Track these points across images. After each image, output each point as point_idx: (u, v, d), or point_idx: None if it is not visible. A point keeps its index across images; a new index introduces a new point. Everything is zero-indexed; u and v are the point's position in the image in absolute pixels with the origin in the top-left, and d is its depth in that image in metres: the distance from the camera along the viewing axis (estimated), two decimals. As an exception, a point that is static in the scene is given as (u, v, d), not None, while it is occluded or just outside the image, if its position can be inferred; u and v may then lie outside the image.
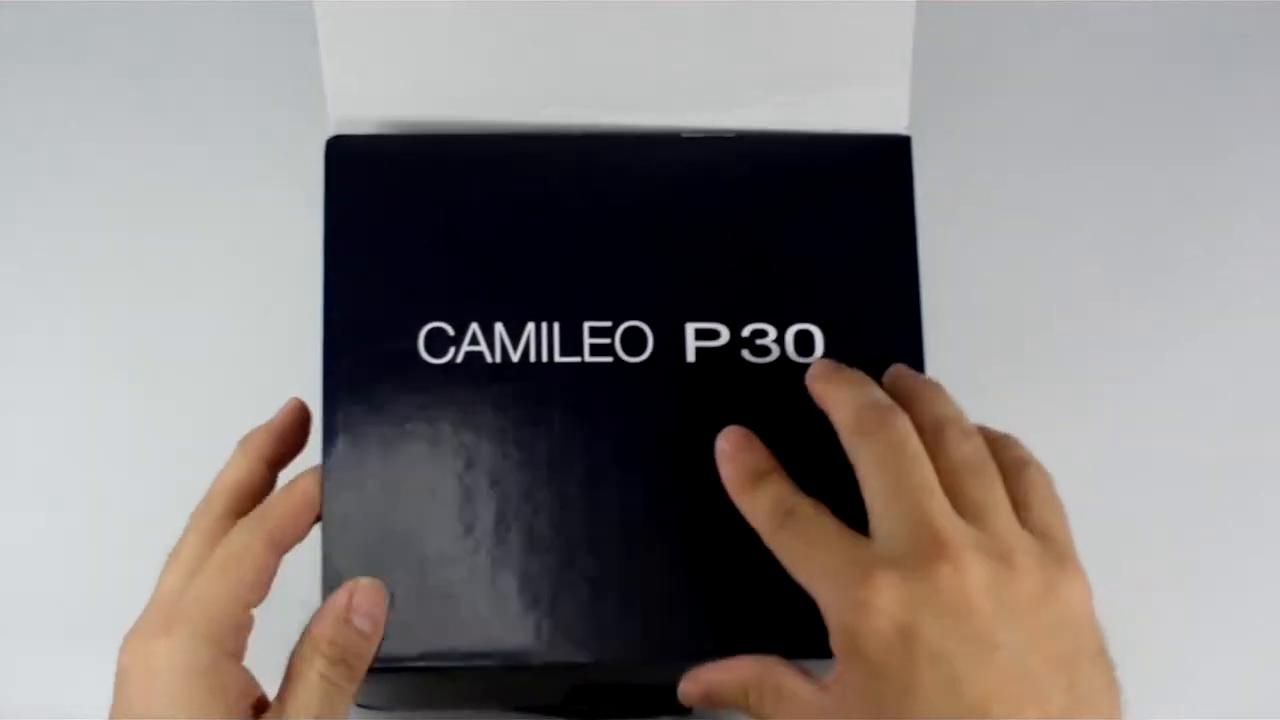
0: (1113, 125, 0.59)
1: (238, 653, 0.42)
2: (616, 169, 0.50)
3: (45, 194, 0.61)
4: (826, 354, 0.48)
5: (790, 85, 0.50)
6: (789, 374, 0.47)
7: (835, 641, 0.39)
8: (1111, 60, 0.61)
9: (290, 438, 0.48)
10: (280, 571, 0.44)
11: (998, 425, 0.44)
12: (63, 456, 0.58)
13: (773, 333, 0.48)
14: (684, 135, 0.50)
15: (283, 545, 0.44)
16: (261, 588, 0.43)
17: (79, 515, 0.58)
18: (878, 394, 0.42)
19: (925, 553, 0.37)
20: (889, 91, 0.51)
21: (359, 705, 0.51)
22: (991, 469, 0.41)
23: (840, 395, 0.43)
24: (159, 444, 0.58)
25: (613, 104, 0.51)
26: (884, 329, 0.48)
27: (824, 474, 0.43)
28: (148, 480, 0.57)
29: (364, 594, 0.43)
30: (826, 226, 0.49)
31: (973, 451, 0.41)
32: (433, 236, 0.49)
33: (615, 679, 0.49)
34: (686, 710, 0.51)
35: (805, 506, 0.42)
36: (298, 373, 0.49)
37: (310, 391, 0.48)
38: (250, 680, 0.42)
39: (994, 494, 0.40)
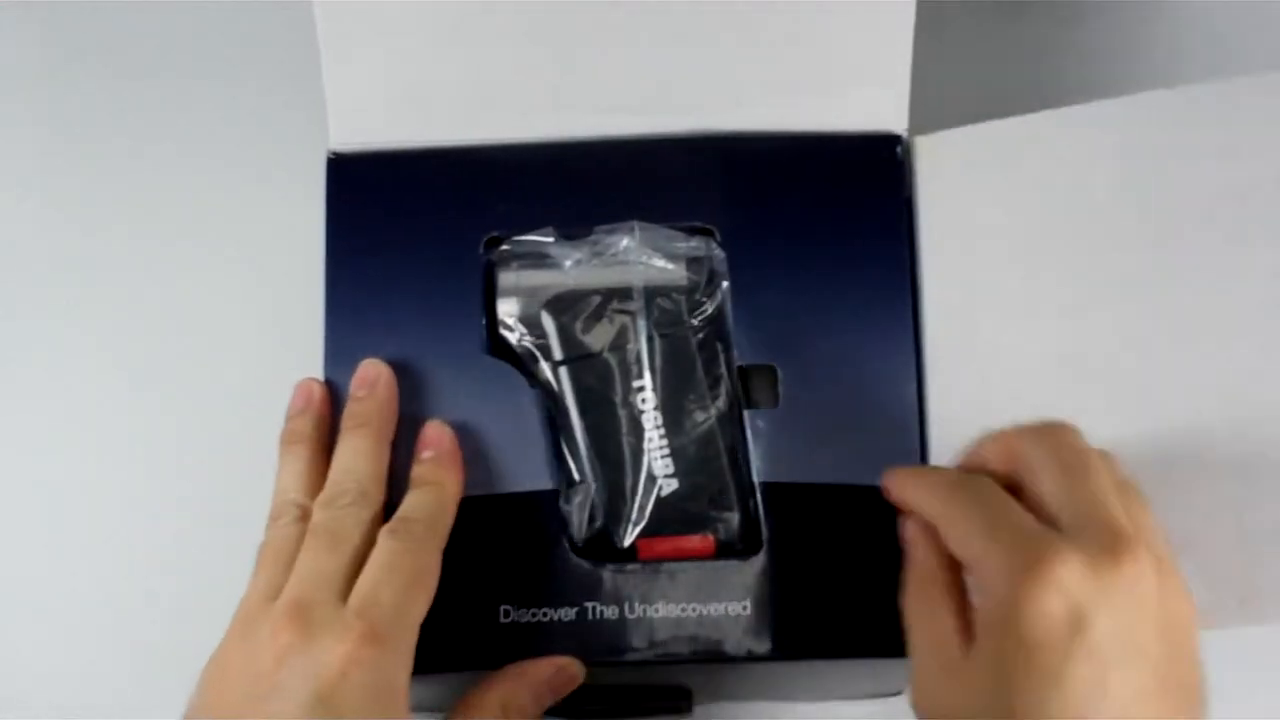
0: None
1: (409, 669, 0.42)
2: (616, 175, 0.50)
3: (45, 194, 0.61)
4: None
5: (790, 86, 0.50)
6: None
7: (992, 613, 0.38)
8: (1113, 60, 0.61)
9: (329, 419, 0.48)
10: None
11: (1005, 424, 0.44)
12: (62, 457, 0.58)
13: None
14: (684, 138, 0.50)
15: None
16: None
17: (79, 515, 0.58)
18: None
19: (1110, 546, 0.37)
20: (889, 91, 0.51)
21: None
22: (1144, 497, 0.41)
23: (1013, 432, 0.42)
24: (159, 446, 0.58)
25: (612, 109, 0.51)
26: (883, 328, 0.49)
27: None
28: (147, 481, 0.58)
29: (568, 675, 0.46)
30: (825, 226, 0.49)
31: (1130, 477, 0.42)
32: (431, 248, 0.49)
33: (615, 679, 0.50)
34: (687, 710, 0.51)
35: (982, 479, 0.41)
36: (299, 375, 0.49)
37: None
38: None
39: (1150, 518, 0.40)
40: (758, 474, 0.47)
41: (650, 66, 0.50)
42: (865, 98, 0.50)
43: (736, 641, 0.46)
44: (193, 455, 0.57)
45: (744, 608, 0.46)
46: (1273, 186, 0.51)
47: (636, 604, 0.46)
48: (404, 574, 0.41)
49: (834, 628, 0.46)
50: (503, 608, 0.46)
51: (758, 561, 0.46)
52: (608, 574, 0.46)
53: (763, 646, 0.46)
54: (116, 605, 0.57)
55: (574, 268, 0.48)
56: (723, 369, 0.47)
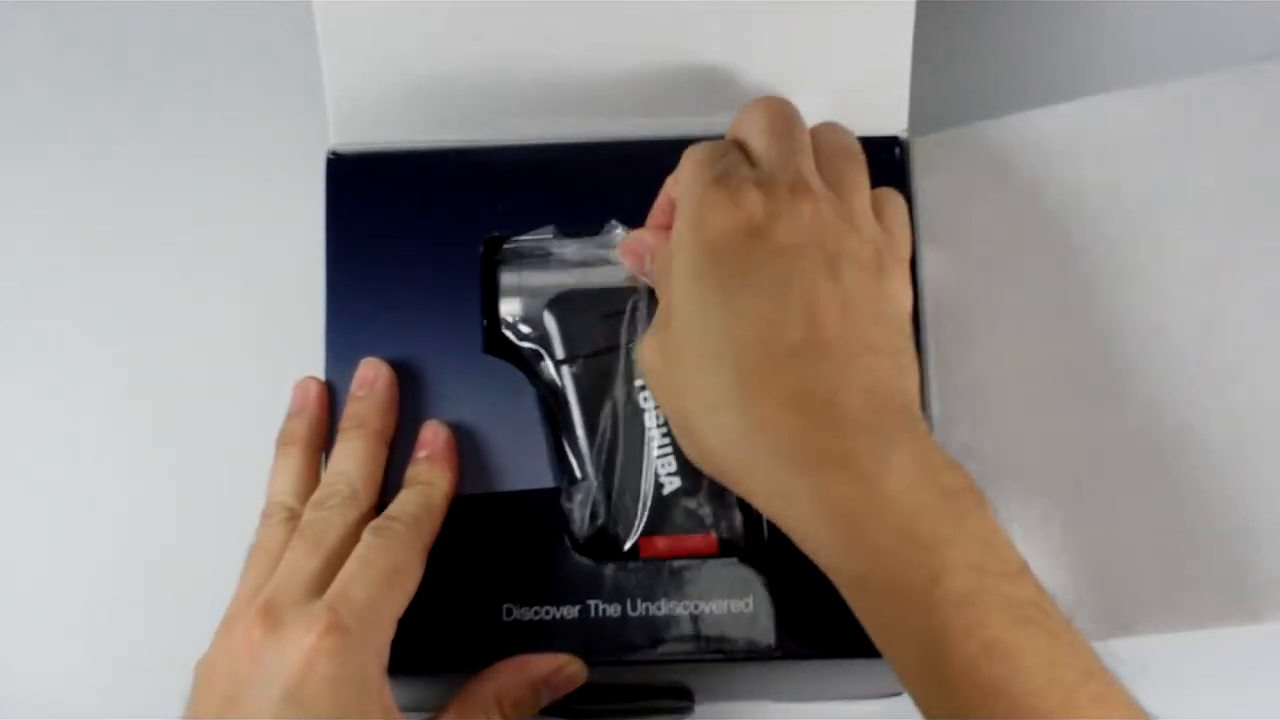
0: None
1: (386, 669, 0.41)
2: (616, 175, 0.50)
3: (45, 193, 0.61)
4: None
5: (790, 86, 0.50)
6: None
7: (681, 234, 0.41)
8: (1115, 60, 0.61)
9: (325, 420, 0.48)
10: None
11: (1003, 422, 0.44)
12: (62, 457, 0.58)
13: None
14: (684, 138, 0.50)
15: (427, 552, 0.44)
16: (410, 598, 0.43)
17: (78, 515, 0.58)
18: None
19: (794, 188, 0.40)
20: (888, 92, 0.51)
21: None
22: (862, 162, 0.44)
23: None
24: (159, 445, 0.58)
25: (612, 110, 0.51)
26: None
27: None
28: (147, 481, 0.57)
29: (571, 674, 0.46)
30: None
31: (851, 142, 0.45)
32: (430, 247, 0.49)
33: (616, 678, 0.50)
34: (687, 710, 0.51)
35: (721, 143, 0.44)
36: (299, 375, 0.49)
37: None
38: (390, 699, 0.41)
39: (858, 178, 0.43)
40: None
41: (650, 66, 0.50)
42: (865, 98, 0.51)
43: (738, 640, 0.46)
44: (193, 455, 0.57)
45: (746, 606, 0.46)
46: (1268, 178, 0.52)
47: (639, 602, 0.46)
48: (378, 569, 0.41)
49: (835, 627, 0.46)
50: (505, 606, 0.46)
51: (760, 560, 0.46)
52: (609, 572, 0.46)
53: (764, 645, 0.46)
54: (116, 605, 0.56)
55: (576, 266, 0.48)
56: None
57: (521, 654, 0.45)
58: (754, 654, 0.46)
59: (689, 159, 0.43)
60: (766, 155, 0.42)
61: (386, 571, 0.41)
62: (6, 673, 0.56)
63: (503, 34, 0.50)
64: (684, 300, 0.40)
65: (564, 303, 0.48)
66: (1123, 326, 0.52)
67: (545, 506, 0.47)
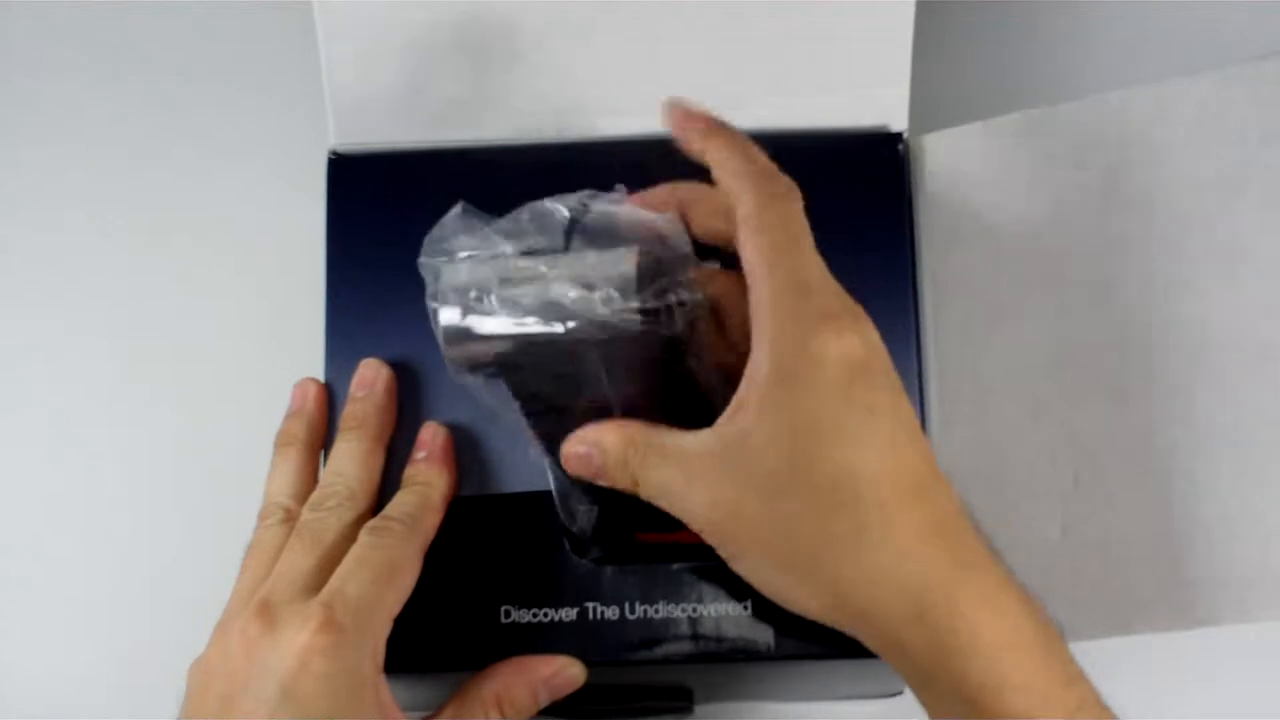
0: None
1: (381, 667, 0.41)
2: (616, 175, 0.50)
3: (45, 192, 0.61)
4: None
5: (791, 85, 0.50)
6: None
7: (772, 369, 0.38)
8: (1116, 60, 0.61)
9: (323, 420, 0.48)
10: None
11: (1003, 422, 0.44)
12: (61, 457, 0.58)
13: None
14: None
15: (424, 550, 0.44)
16: (408, 594, 0.43)
17: (78, 515, 0.58)
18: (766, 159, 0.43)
19: (858, 313, 0.40)
20: (890, 90, 0.51)
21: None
22: None
23: (733, 162, 0.42)
24: (158, 445, 0.58)
25: (612, 110, 0.51)
26: (882, 325, 0.48)
27: None
28: (147, 481, 0.58)
29: (565, 678, 0.45)
30: (825, 225, 0.49)
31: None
32: None
33: (615, 679, 0.50)
34: (687, 710, 0.51)
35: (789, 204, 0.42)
36: (300, 375, 0.49)
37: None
38: (389, 697, 0.41)
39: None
40: None
41: (650, 67, 0.50)
42: (866, 97, 0.50)
43: (737, 641, 0.46)
44: (193, 455, 0.57)
45: (745, 607, 0.46)
46: (1268, 176, 0.51)
47: (637, 604, 0.46)
48: (374, 568, 0.41)
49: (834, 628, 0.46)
50: (504, 608, 0.46)
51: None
52: (608, 574, 0.46)
53: (763, 646, 0.46)
54: (116, 605, 0.57)
55: (523, 314, 0.42)
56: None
57: (521, 655, 0.45)
58: (753, 654, 0.46)
59: (771, 270, 0.40)
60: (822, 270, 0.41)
61: (382, 570, 0.41)
62: (7, 673, 0.56)
63: (503, 35, 0.50)
64: (781, 434, 0.38)
65: (513, 365, 0.43)
66: (1123, 325, 0.52)
67: (544, 508, 0.47)
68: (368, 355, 0.48)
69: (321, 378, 0.49)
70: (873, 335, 0.39)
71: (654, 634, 0.46)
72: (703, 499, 0.39)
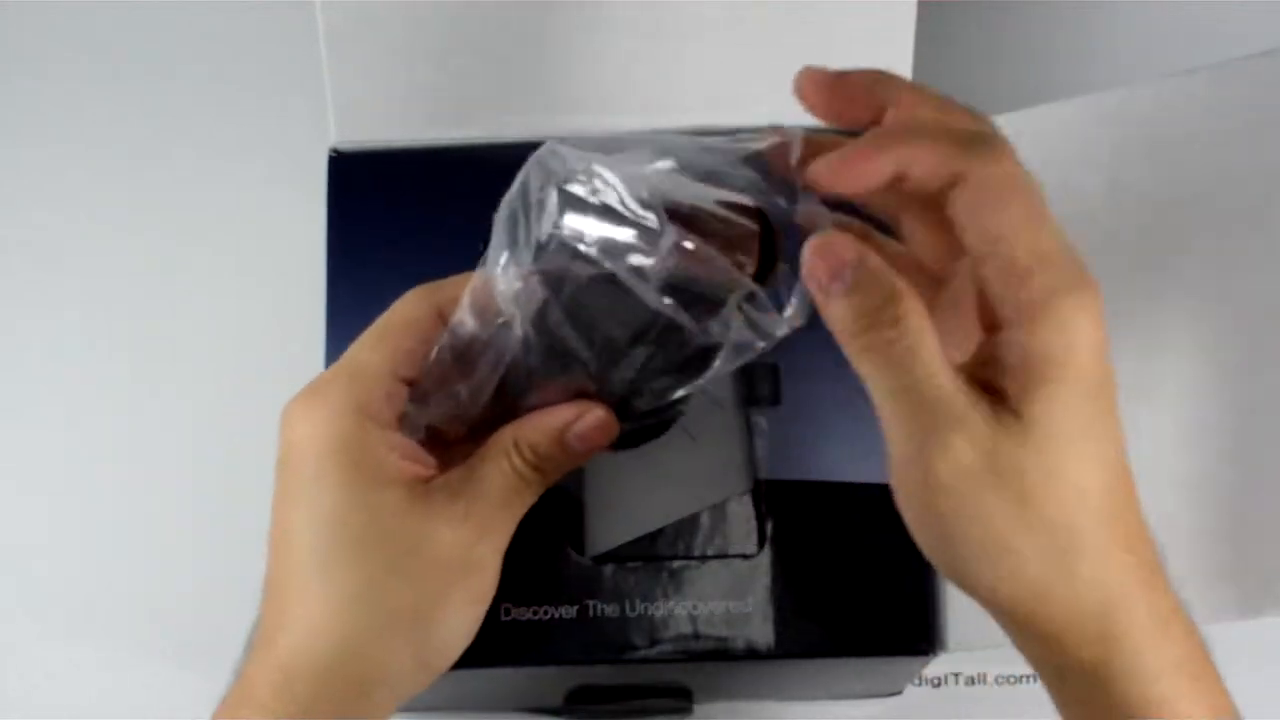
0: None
1: (387, 423, 0.39)
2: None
3: (46, 192, 0.61)
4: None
5: (790, 85, 0.50)
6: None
7: (1032, 374, 0.34)
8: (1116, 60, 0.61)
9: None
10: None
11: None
12: (62, 456, 0.58)
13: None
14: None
15: (449, 319, 0.40)
16: (422, 359, 0.39)
17: (78, 515, 0.58)
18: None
19: (1088, 281, 0.35)
20: (889, 91, 0.51)
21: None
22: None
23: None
24: (159, 444, 0.58)
25: (612, 110, 0.51)
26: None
27: None
28: (147, 480, 0.58)
29: (592, 421, 0.40)
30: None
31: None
32: (432, 245, 0.49)
33: (615, 679, 0.50)
34: (687, 710, 0.51)
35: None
36: (300, 374, 0.49)
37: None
38: (407, 448, 0.39)
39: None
40: (760, 472, 0.47)
41: (651, 67, 0.50)
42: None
43: (737, 640, 0.46)
44: (193, 454, 0.57)
45: (745, 606, 0.46)
46: (1268, 174, 0.51)
47: (638, 602, 0.46)
48: (373, 327, 0.40)
49: (834, 627, 0.46)
50: (504, 605, 0.46)
51: (759, 560, 0.46)
52: (608, 572, 0.46)
53: (764, 645, 0.46)
54: (116, 606, 0.57)
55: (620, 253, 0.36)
56: None
57: (522, 658, 0.45)
58: (752, 654, 0.46)
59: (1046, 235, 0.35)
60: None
61: (378, 327, 0.40)
62: (7, 673, 0.56)
63: (503, 33, 0.50)
64: (1073, 427, 0.34)
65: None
66: (1123, 324, 0.52)
67: (544, 506, 0.47)
68: None
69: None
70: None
71: (654, 632, 0.46)
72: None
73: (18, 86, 0.62)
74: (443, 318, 0.40)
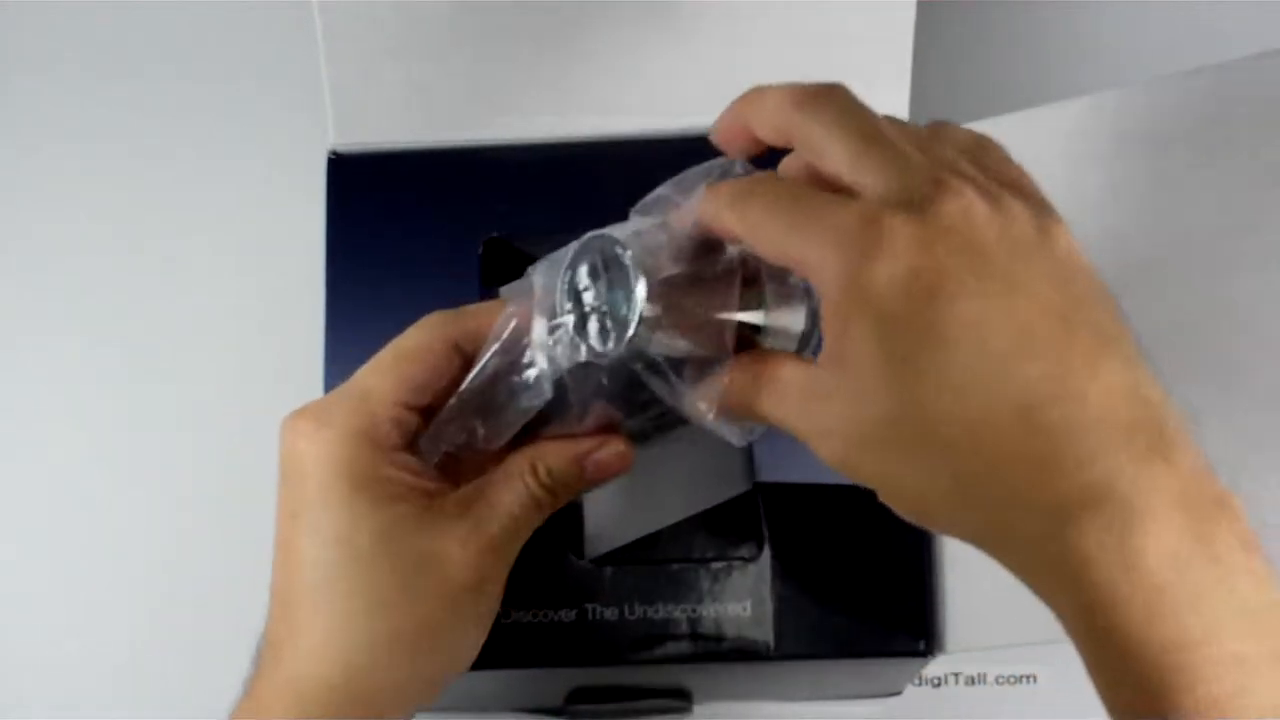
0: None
1: (394, 446, 0.39)
2: (616, 175, 0.50)
3: (46, 192, 0.61)
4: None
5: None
6: None
7: (837, 309, 0.32)
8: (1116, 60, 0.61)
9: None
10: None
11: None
12: (62, 457, 0.58)
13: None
14: (684, 138, 0.50)
15: (465, 350, 0.40)
16: (432, 389, 0.39)
17: (78, 515, 0.58)
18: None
19: (925, 193, 0.32)
20: (889, 91, 0.50)
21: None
22: (944, 133, 0.36)
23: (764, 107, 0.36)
24: (158, 445, 0.58)
25: (612, 109, 0.51)
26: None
27: None
28: (147, 481, 0.58)
29: (613, 451, 0.40)
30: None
31: (919, 126, 0.36)
32: (431, 246, 0.49)
33: (615, 680, 0.50)
34: (686, 711, 0.51)
35: (765, 180, 0.35)
36: (300, 375, 0.49)
37: (314, 394, 0.48)
38: (415, 467, 0.39)
39: (954, 151, 0.35)
40: (758, 474, 0.47)
41: (650, 66, 0.50)
42: (866, 96, 0.50)
43: (736, 641, 0.46)
44: (192, 454, 0.57)
45: (744, 608, 0.46)
46: (1268, 174, 0.51)
47: (637, 605, 0.46)
48: (380, 355, 0.41)
49: (834, 628, 0.46)
50: (504, 608, 0.46)
51: (758, 562, 0.46)
52: (608, 575, 0.46)
53: (763, 646, 0.46)
54: (116, 607, 0.57)
55: None
56: None
57: (522, 660, 0.45)
58: (752, 655, 0.46)
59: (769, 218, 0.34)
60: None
61: (390, 352, 0.40)
62: (6, 674, 0.56)
63: (503, 34, 0.50)
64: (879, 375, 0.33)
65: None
66: (1145, 319, 0.52)
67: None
68: (368, 355, 0.48)
69: (321, 378, 0.49)
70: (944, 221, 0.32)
71: (654, 634, 0.46)
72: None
73: (18, 86, 0.62)
74: (458, 350, 0.40)
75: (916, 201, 0.32)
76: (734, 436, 0.37)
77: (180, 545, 0.57)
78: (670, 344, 0.36)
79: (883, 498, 0.35)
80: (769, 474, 0.47)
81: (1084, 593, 0.32)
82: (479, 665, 0.45)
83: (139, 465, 0.58)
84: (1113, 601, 0.31)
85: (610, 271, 0.36)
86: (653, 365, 0.36)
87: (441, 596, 0.38)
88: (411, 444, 0.40)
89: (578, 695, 0.50)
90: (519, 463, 0.39)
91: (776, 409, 0.35)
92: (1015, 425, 0.32)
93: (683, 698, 0.51)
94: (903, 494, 0.35)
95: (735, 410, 0.36)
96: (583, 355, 0.37)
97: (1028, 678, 0.59)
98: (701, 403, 0.36)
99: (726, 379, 0.36)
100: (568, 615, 0.46)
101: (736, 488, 0.48)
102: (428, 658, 0.38)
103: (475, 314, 0.40)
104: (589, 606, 0.46)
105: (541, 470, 0.39)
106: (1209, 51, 0.55)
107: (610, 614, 0.46)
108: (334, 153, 0.50)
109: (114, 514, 0.57)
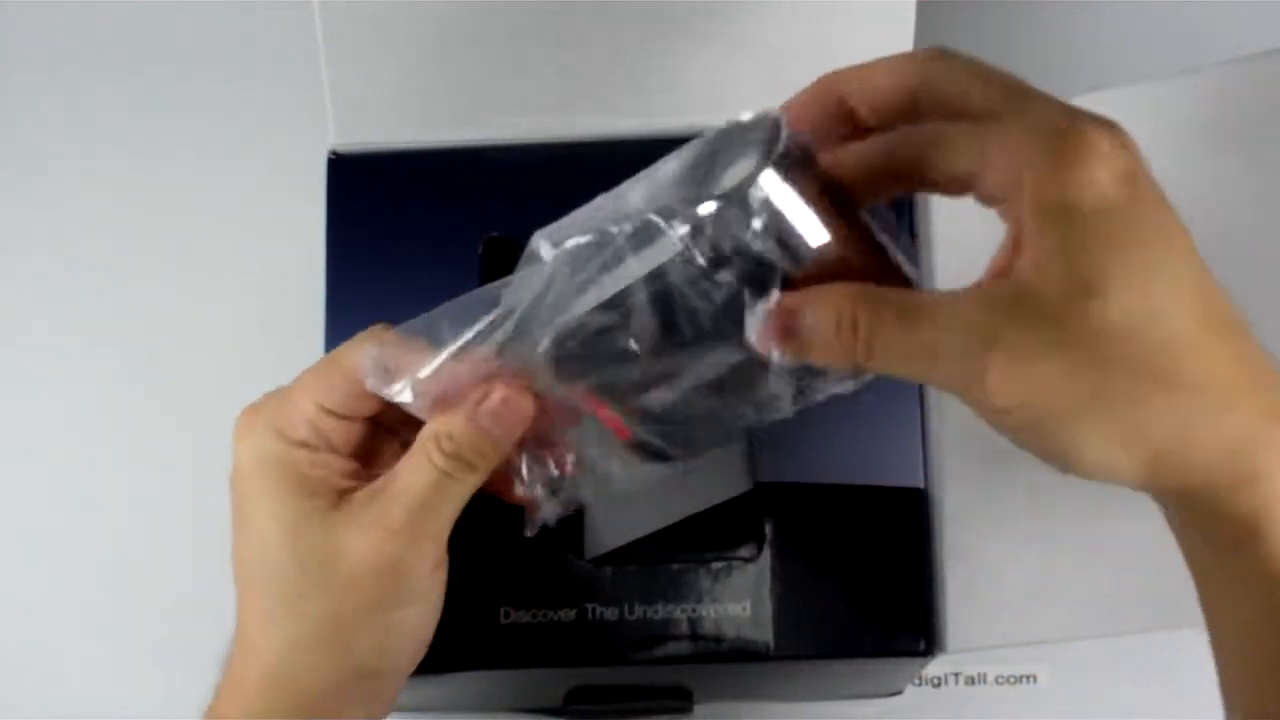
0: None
1: (316, 444, 0.39)
2: (616, 175, 0.50)
3: (47, 192, 0.61)
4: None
5: (791, 85, 0.50)
6: None
7: (1048, 212, 0.32)
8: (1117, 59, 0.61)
9: None
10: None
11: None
12: (61, 457, 0.58)
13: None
14: (684, 138, 0.50)
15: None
16: (350, 402, 0.39)
17: (77, 516, 0.58)
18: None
19: (1082, 117, 0.33)
20: (889, 91, 0.50)
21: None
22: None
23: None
24: (158, 445, 0.58)
25: (612, 109, 0.51)
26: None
27: None
28: (146, 481, 0.58)
29: (499, 397, 0.38)
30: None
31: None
32: (431, 246, 0.49)
33: (615, 680, 0.50)
34: (687, 710, 0.51)
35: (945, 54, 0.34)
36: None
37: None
38: (337, 465, 0.39)
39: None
40: (758, 474, 0.47)
41: (650, 66, 0.50)
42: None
43: (737, 641, 0.46)
44: (192, 455, 0.57)
45: (744, 608, 0.46)
46: (1268, 173, 0.51)
47: (637, 604, 0.46)
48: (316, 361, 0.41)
49: (834, 628, 0.46)
50: (503, 609, 0.46)
51: (758, 562, 0.46)
52: (607, 575, 0.46)
53: (763, 646, 0.46)
54: (116, 607, 0.57)
55: None
56: None
57: (522, 660, 0.45)
58: (752, 655, 0.46)
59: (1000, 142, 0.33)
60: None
61: (321, 361, 0.41)
62: (8, 673, 0.56)
63: (503, 34, 0.50)
64: (1066, 279, 0.32)
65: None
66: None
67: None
68: None
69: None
70: (1128, 138, 0.33)
71: (654, 634, 0.46)
72: (971, 369, 0.32)
73: (18, 86, 0.62)
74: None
75: (1081, 123, 0.32)
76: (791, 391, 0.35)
77: (179, 545, 0.57)
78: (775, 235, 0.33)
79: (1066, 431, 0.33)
80: (769, 474, 0.47)
81: None
82: (479, 665, 0.45)
83: (139, 465, 0.58)
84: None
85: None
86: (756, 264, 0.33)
87: (347, 588, 0.38)
88: (345, 448, 0.40)
89: (578, 695, 0.50)
90: (423, 437, 0.38)
91: (929, 341, 0.33)
92: (1219, 333, 0.33)
93: (683, 698, 0.51)
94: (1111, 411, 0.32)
95: (850, 348, 0.33)
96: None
97: (1028, 678, 0.59)
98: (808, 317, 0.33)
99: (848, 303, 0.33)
100: (568, 615, 0.46)
101: (736, 488, 0.48)
102: (348, 652, 0.38)
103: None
104: (589, 606, 0.46)
105: (444, 439, 0.38)
106: (1209, 51, 0.55)
107: (610, 614, 0.46)
108: (334, 152, 0.50)
109: (114, 514, 0.57)
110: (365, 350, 0.38)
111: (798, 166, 0.33)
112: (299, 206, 0.51)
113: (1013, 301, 0.32)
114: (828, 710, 0.56)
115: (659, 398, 0.37)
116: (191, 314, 0.59)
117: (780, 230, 0.33)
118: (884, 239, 0.36)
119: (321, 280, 0.49)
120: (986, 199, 0.34)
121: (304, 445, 0.39)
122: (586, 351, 0.36)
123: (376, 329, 0.40)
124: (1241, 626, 0.34)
